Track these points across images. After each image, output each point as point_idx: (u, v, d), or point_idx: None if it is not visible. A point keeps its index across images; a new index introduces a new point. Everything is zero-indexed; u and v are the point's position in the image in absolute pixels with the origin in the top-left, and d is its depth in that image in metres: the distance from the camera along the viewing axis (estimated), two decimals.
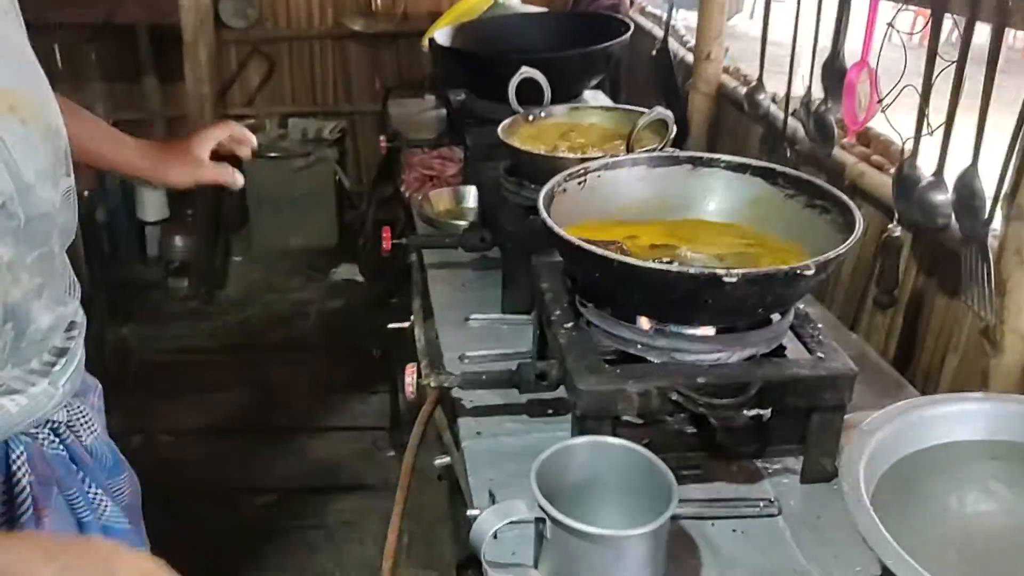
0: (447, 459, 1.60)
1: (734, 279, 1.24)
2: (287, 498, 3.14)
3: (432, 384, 1.50)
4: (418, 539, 2.81)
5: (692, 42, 3.34)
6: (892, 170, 1.97)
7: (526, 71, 2.16)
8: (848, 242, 1.32)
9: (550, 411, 1.63)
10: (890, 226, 1.61)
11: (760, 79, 2.48)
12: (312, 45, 4.94)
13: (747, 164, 1.64)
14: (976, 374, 1.83)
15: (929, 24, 1.64)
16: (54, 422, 1.25)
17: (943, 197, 1.65)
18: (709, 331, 1.40)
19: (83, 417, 1.32)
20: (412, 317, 1.92)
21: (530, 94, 2.17)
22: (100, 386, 1.45)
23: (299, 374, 3.82)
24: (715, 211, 1.65)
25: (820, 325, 1.48)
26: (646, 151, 1.85)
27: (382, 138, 2.81)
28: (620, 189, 1.66)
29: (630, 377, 1.34)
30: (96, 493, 1.30)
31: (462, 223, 2.45)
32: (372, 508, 3.02)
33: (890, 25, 1.74)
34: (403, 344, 4.00)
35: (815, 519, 1.36)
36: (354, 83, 5.06)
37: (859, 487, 0.96)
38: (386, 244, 2.06)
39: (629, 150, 1.83)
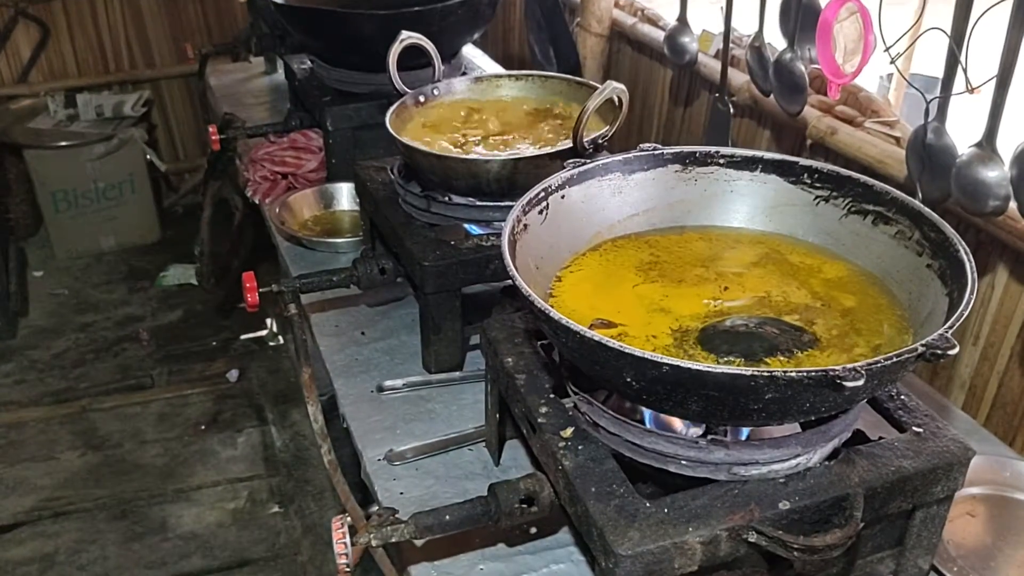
0: None
1: (860, 380, 0.80)
2: None
3: (375, 542, 1.01)
4: None
5: None
6: (898, 134, 1.60)
7: (409, 37, 1.60)
8: (968, 293, 0.91)
9: (534, 530, 1.18)
10: None
11: (683, 18, 2.03)
12: (93, 1, 4.04)
13: (756, 158, 1.20)
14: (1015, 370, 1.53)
15: None
16: None
17: (996, 174, 1.27)
18: (786, 430, 0.97)
19: None
20: (306, 395, 1.38)
21: (404, 59, 1.62)
22: None
23: (141, 421, 3.06)
24: (728, 223, 1.22)
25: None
26: (595, 140, 1.38)
27: (211, 128, 2.16)
28: (593, 208, 1.19)
29: (686, 519, 0.91)
30: None
31: (339, 240, 1.89)
32: None
33: None
34: (263, 358, 3.42)
35: None
36: (153, 43, 4.21)
37: None
38: (251, 298, 1.48)
39: (577, 142, 1.34)
